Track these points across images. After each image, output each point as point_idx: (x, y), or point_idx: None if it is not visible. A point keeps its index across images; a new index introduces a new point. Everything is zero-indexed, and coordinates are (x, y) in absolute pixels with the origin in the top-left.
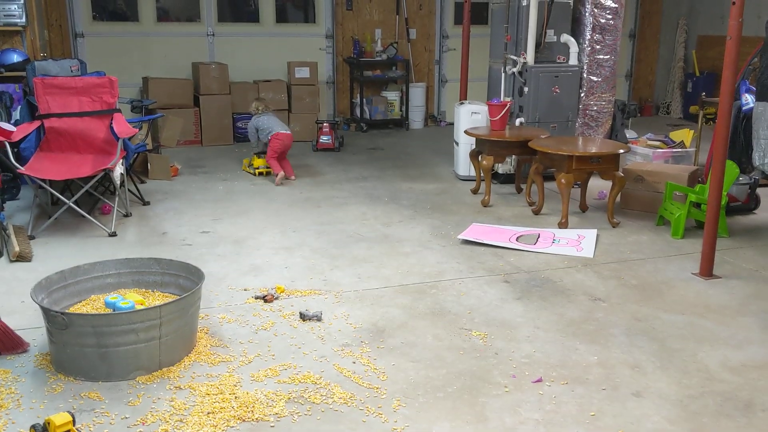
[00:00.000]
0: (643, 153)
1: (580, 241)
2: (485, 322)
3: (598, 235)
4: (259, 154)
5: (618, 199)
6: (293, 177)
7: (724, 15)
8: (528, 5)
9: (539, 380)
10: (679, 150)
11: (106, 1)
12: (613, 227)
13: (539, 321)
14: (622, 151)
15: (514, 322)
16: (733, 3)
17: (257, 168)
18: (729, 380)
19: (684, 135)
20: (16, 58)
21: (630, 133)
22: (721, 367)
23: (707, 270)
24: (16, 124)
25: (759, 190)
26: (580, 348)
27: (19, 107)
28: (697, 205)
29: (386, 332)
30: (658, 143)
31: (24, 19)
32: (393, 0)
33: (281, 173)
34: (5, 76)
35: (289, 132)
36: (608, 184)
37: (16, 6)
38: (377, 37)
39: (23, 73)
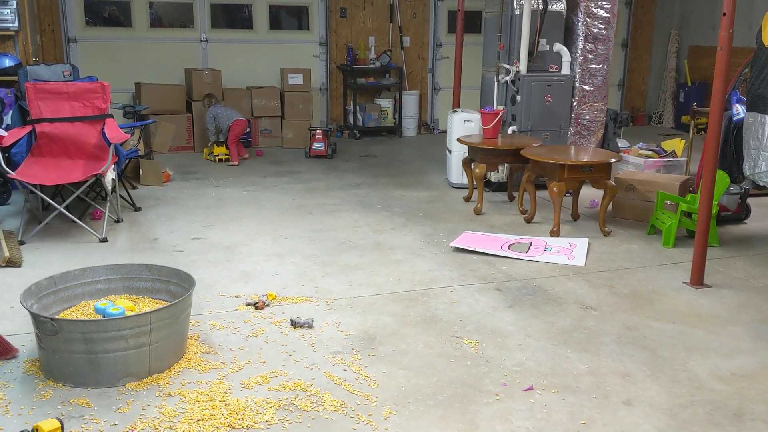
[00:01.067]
0: (635, 162)
1: (571, 249)
2: (477, 330)
3: (589, 244)
4: (218, 143)
5: (610, 208)
6: (246, 155)
7: (716, 25)
8: (521, 14)
9: (530, 388)
10: (671, 159)
11: (99, 6)
12: (605, 236)
13: (530, 329)
14: (613, 160)
15: (505, 330)
16: (724, 14)
17: (217, 155)
18: (719, 389)
19: (675, 144)
20: (8, 62)
21: (622, 143)
22: (711, 376)
23: (698, 279)
24: (7, 128)
25: (749, 200)
26: (571, 356)
27: (11, 112)
28: (688, 214)
29: (377, 340)
30: (649, 153)
31: (17, 24)
32: (387, 8)
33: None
34: None
35: (245, 119)
36: (600, 193)
37: (8, 11)
38: (371, 44)
39: (15, 78)
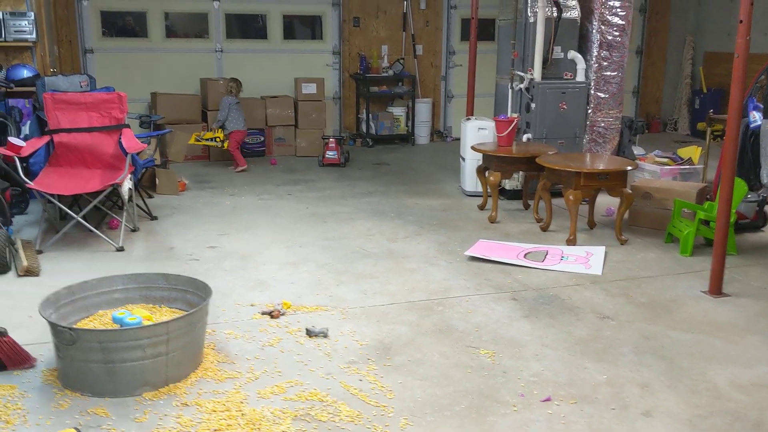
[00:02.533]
0: (651, 170)
1: (588, 258)
2: (493, 340)
3: (606, 253)
4: (213, 130)
5: (626, 216)
6: (245, 167)
7: (731, 32)
8: (535, 22)
9: (548, 399)
10: (687, 167)
11: (115, 17)
12: (622, 244)
13: (547, 339)
14: (629, 167)
15: (522, 340)
16: (741, 21)
17: (206, 139)
18: (738, 399)
19: (692, 152)
20: (26, 73)
21: (638, 150)
22: (731, 386)
23: (716, 288)
24: (25, 139)
25: (767, 208)
26: (589, 366)
27: (29, 122)
28: (706, 222)
29: (393, 349)
30: (665, 160)
31: (34, 35)
32: (400, 17)
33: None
34: (15, 92)
35: (244, 129)
36: (616, 201)
37: (26, 22)
38: (384, 53)
39: (33, 89)
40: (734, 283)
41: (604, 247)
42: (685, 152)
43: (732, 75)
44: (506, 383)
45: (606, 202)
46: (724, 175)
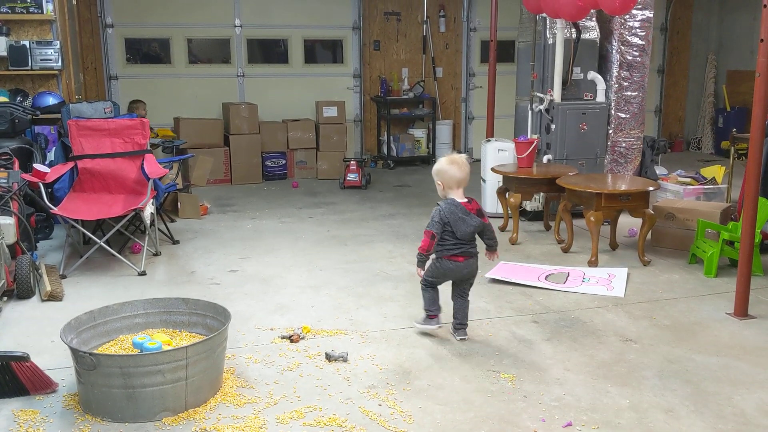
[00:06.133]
0: (674, 190)
1: (610, 280)
2: (514, 364)
3: (628, 274)
4: None
5: (649, 236)
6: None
7: (754, 50)
8: (554, 43)
9: (569, 424)
10: (711, 187)
11: (139, 44)
12: (644, 266)
13: (569, 363)
14: (651, 188)
15: (543, 363)
16: (761, 40)
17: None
18: (766, 425)
19: (715, 171)
20: (51, 100)
21: (660, 170)
22: (758, 411)
23: (742, 310)
24: (50, 165)
25: None
26: (612, 391)
27: (54, 149)
28: (731, 242)
29: (412, 374)
30: (688, 180)
31: (60, 63)
32: (420, 40)
33: None
34: (41, 119)
35: None
36: (638, 221)
37: (52, 50)
38: (404, 75)
39: (58, 116)
40: (760, 305)
41: (626, 269)
42: (708, 172)
43: (754, 94)
44: (527, 408)
45: (628, 222)
46: (747, 195)
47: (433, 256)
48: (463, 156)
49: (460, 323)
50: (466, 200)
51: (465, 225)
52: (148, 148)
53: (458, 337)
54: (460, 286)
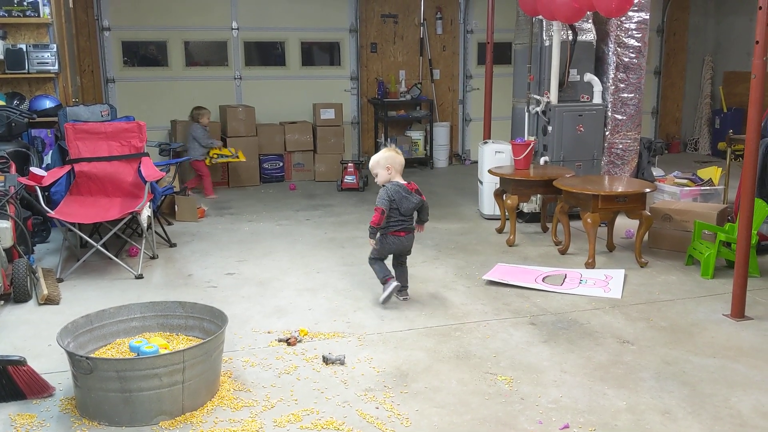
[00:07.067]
0: (671, 191)
1: (607, 281)
2: (511, 366)
3: (625, 276)
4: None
5: (646, 238)
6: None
7: (750, 51)
8: (550, 45)
9: (566, 427)
10: (708, 188)
11: (136, 47)
12: (641, 267)
13: (566, 365)
14: (648, 190)
15: (540, 365)
16: (757, 42)
17: (222, 155)
18: (763, 426)
19: (712, 172)
20: (48, 104)
21: (657, 171)
22: (755, 412)
23: (739, 311)
24: (47, 168)
25: None
26: (609, 393)
27: (51, 152)
28: (727, 244)
29: (410, 376)
30: (685, 181)
31: (57, 67)
32: (417, 42)
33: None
34: (38, 122)
35: (193, 159)
36: (635, 223)
37: (49, 54)
38: (401, 78)
39: (55, 119)
40: (757, 306)
41: (623, 270)
42: (705, 173)
43: (749, 96)
44: (524, 410)
45: (625, 224)
46: (743, 196)
47: (378, 236)
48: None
49: (403, 286)
50: (406, 182)
51: (407, 202)
52: (145, 151)
53: (401, 298)
54: (399, 258)
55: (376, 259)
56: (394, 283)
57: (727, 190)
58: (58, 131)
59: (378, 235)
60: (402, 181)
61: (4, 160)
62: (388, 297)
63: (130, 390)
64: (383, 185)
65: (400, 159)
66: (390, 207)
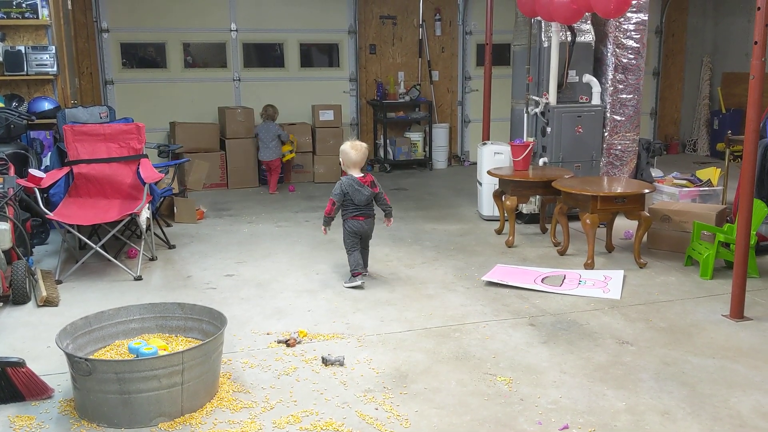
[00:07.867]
0: (670, 192)
1: (606, 282)
2: (510, 367)
3: (625, 276)
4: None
5: (645, 239)
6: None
7: (749, 52)
8: (549, 46)
9: (566, 427)
10: (707, 189)
11: (135, 48)
12: (641, 268)
13: (565, 365)
14: (647, 190)
15: (539, 366)
16: (755, 42)
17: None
18: (762, 427)
19: (711, 173)
20: (47, 105)
21: (656, 172)
22: (754, 413)
23: (738, 312)
24: (46, 170)
25: None
26: (608, 393)
27: (50, 154)
28: (726, 244)
29: (409, 377)
30: (684, 182)
31: (56, 68)
32: (416, 43)
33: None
34: (37, 124)
35: (272, 158)
36: (634, 224)
37: (48, 56)
38: (400, 79)
39: (54, 121)
40: (756, 307)
41: (622, 271)
42: (704, 174)
43: (748, 97)
44: (524, 411)
45: (624, 225)
46: (742, 197)
47: (343, 222)
48: (364, 144)
49: (364, 266)
50: (361, 175)
51: (360, 194)
52: (144, 152)
53: (364, 272)
54: (363, 242)
55: (352, 249)
56: (360, 280)
57: (725, 191)
58: (57, 133)
59: (343, 222)
60: (357, 175)
61: (3, 162)
62: (353, 288)
63: (129, 392)
64: (341, 177)
65: (354, 154)
66: (344, 199)
